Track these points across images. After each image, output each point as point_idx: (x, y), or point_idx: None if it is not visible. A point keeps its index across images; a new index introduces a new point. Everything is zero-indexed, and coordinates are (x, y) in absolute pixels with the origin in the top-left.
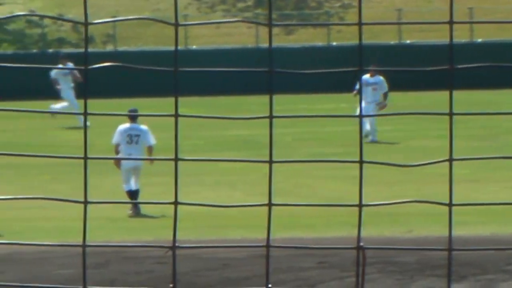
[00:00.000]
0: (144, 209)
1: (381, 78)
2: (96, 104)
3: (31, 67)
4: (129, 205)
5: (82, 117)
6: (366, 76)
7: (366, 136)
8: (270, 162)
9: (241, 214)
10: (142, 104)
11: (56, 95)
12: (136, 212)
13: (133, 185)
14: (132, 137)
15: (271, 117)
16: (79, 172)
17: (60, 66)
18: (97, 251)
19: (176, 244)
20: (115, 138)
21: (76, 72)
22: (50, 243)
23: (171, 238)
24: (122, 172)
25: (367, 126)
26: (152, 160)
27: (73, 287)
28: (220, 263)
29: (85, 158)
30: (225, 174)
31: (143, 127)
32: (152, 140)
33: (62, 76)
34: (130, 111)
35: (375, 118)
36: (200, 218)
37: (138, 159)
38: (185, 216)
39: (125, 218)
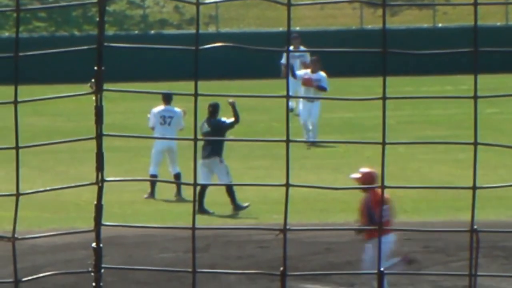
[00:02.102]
0: (245, 192)
1: (323, 74)
2: (205, 86)
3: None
4: (148, 189)
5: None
6: (307, 71)
7: (307, 139)
8: (384, 143)
9: (343, 197)
10: (242, 85)
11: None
12: (153, 195)
13: (172, 169)
14: (165, 119)
15: (384, 98)
16: (184, 155)
17: (292, 48)
18: (197, 235)
19: (287, 227)
20: (151, 122)
21: (306, 55)
22: (159, 226)
23: (273, 222)
24: (154, 153)
25: (309, 126)
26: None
27: (181, 270)
28: (322, 248)
29: (195, 139)
30: (327, 157)
31: (177, 109)
32: (183, 124)
33: (291, 59)
34: (165, 93)
35: (317, 118)
36: (301, 202)
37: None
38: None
39: (228, 202)
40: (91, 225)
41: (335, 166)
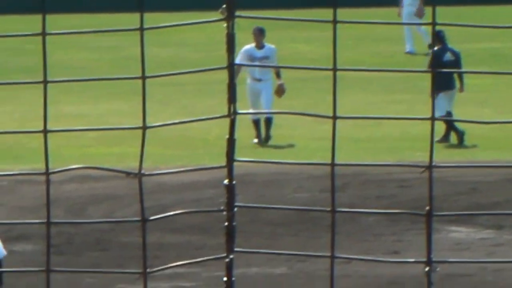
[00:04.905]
0: (384, 128)
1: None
2: (340, 13)
3: None
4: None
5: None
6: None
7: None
8: None
9: (490, 133)
10: (378, 13)
11: None
12: (260, 139)
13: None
14: (260, 60)
15: None
16: (311, 87)
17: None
18: (335, 173)
19: (433, 164)
20: (239, 61)
21: (420, 6)
22: (296, 162)
23: (415, 159)
24: (249, 97)
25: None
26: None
27: (319, 209)
28: (468, 187)
29: (335, 69)
30: (472, 90)
31: (270, 46)
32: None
33: (407, 15)
34: (258, 29)
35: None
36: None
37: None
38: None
39: (365, 139)
40: (219, 162)
41: (481, 100)
